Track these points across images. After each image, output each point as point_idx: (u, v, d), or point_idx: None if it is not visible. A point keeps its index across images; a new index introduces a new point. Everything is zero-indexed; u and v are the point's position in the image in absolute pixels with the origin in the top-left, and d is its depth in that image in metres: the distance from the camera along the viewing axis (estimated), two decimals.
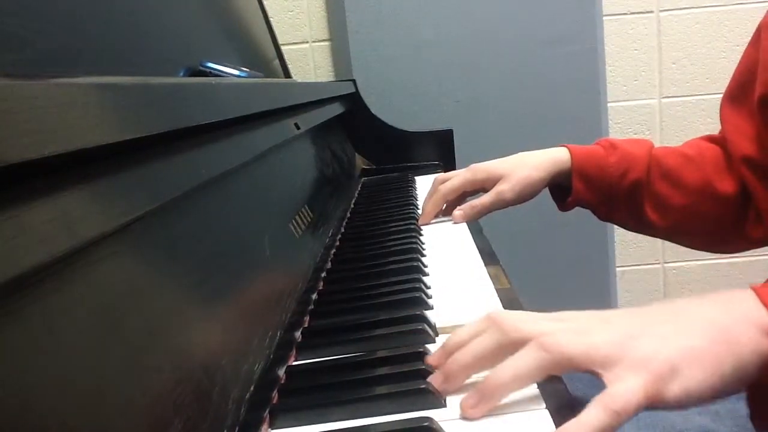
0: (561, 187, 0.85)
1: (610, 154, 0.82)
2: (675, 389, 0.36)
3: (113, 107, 0.29)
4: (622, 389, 0.35)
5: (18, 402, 0.21)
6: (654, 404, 0.36)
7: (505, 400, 0.38)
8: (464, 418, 0.38)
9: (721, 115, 0.82)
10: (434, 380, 0.41)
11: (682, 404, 0.36)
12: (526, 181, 0.82)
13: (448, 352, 0.42)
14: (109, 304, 0.28)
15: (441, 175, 0.89)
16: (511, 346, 0.39)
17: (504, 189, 0.82)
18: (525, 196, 0.83)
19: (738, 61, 0.80)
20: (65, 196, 0.25)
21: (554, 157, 0.83)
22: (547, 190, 0.87)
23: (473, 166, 0.86)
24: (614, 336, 0.38)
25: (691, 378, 0.36)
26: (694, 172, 0.81)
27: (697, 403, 0.37)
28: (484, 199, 0.84)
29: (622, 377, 0.36)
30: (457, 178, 0.86)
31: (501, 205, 0.83)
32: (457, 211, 0.85)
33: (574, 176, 0.82)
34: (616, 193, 0.82)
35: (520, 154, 0.85)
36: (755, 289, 0.40)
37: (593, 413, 0.34)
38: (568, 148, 0.83)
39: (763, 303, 0.39)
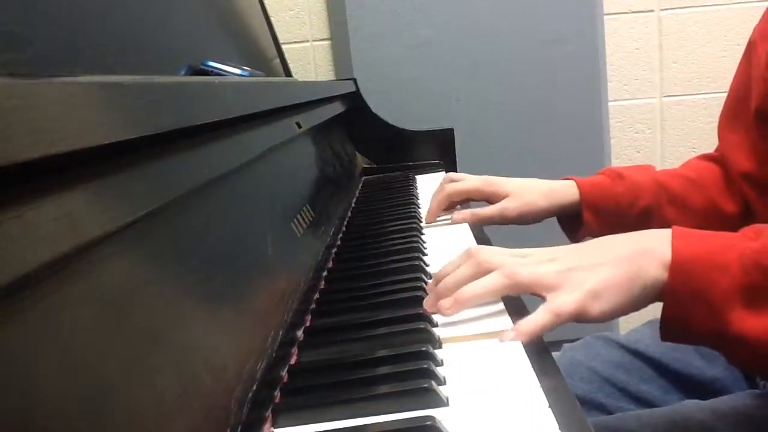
0: (571, 220, 0.86)
1: (617, 184, 0.83)
2: (597, 308, 0.48)
3: (117, 106, 0.29)
4: (560, 301, 0.48)
5: (22, 401, 0.21)
6: (581, 318, 0.48)
7: (509, 403, 0.39)
8: (441, 314, 0.52)
9: (719, 134, 0.83)
10: (428, 302, 0.53)
11: (603, 318, 0.49)
12: (531, 205, 0.83)
13: (436, 281, 0.54)
14: (112, 303, 0.28)
15: (451, 174, 0.90)
16: (483, 273, 0.52)
17: (509, 206, 0.83)
18: (527, 218, 0.84)
19: (734, 69, 0.81)
20: (69, 196, 0.25)
21: (562, 188, 0.84)
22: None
23: (485, 177, 0.87)
24: (557, 269, 0.50)
25: (608, 300, 0.49)
26: (698, 195, 0.82)
27: (615, 316, 0.49)
28: (487, 210, 0.84)
29: (560, 296, 0.49)
30: (466, 182, 0.87)
31: (502, 221, 0.84)
32: (458, 215, 0.85)
33: (584, 209, 0.82)
34: (626, 222, 0.82)
35: (531, 179, 0.86)
36: (673, 229, 0.51)
37: (539, 314, 0.48)
38: (576, 181, 0.84)
39: (671, 242, 0.50)
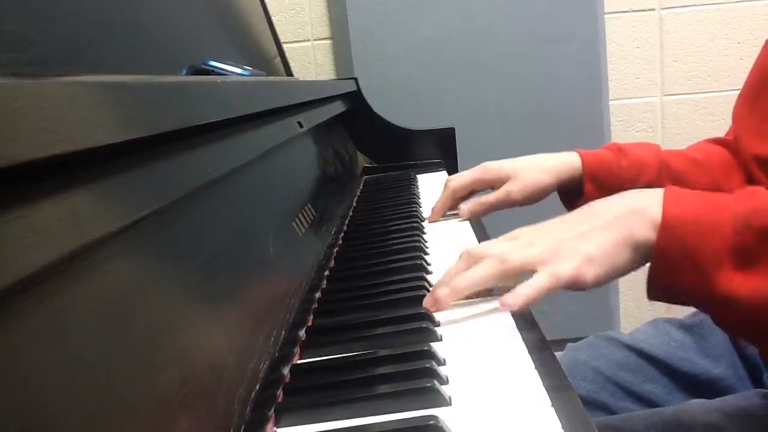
0: (571, 192, 0.86)
1: (620, 158, 0.82)
2: (591, 273, 0.50)
3: (121, 106, 0.29)
4: (558, 266, 0.49)
5: (25, 400, 0.21)
6: (577, 284, 0.50)
7: (512, 402, 0.39)
8: (439, 306, 0.52)
9: (734, 117, 0.82)
10: (427, 301, 0.53)
11: (598, 283, 0.50)
12: (535, 185, 0.82)
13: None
14: (116, 303, 0.28)
15: (450, 177, 0.90)
16: (477, 264, 0.53)
17: (512, 189, 0.82)
18: (533, 198, 0.83)
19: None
20: (73, 196, 0.25)
21: (565, 162, 0.83)
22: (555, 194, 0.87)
23: (484, 164, 0.87)
24: (548, 243, 0.51)
25: (600, 264, 0.50)
26: (702, 177, 0.82)
27: (608, 280, 0.51)
28: (492, 196, 0.84)
29: (555, 264, 0.50)
30: (466, 174, 0.87)
31: (507, 204, 0.83)
32: (464, 206, 0.85)
33: (586, 180, 0.82)
34: None
35: (532, 156, 0.85)
36: (666, 188, 0.51)
37: (538, 277, 0.49)
38: (579, 154, 0.83)
39: (662, 201, 0.49)
